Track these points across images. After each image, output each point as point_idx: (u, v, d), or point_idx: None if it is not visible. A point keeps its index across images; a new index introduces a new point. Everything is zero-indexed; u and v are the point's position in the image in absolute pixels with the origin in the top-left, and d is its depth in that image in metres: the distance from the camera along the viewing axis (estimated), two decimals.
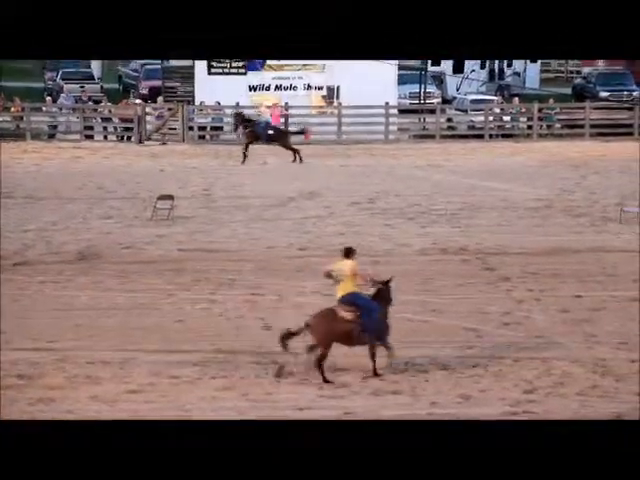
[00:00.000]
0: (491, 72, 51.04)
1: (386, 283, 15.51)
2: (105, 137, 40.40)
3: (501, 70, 51.60)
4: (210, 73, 40.62)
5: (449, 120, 42.11)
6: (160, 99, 40.29)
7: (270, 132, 35.00)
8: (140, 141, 38.45)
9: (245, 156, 34.41)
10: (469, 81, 48.58)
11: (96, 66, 51.81)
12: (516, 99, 42.88)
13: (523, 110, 40.91)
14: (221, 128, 40.37)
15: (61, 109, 41.21)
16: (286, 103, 39.67)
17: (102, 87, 46.78)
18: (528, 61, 52.79)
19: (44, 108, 40.83)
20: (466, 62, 49.51)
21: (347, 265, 15.30)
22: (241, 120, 35.94)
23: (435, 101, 44.34)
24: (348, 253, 15.39)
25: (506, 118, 41.02)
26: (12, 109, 39.72)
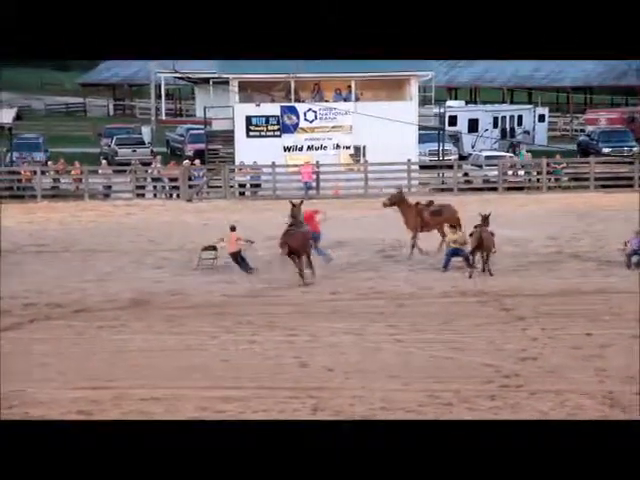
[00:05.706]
0: (503, 131, 51.12)
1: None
2: (155, 195, 40.69)
3: (512, 129, 51.70)
4: (249, 136, 40.93)
5: (465, 175, 42.07)
6: (197, 161, 40.50)
7: None
8: (188, 199, 38.66)
9: None
10: (483, 139, 48.64)
11: (146, 132, 52.48)
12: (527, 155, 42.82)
13: (532, 165, 40.85)
14: (259, 185, 40.57)
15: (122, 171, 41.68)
16: (317, 162, 39.89)
17: (152, 151, 47.27)
18: (537, 120, 52.94)
19: (100, 171, 41.23)
20: (480, 122, 49.66)
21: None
22: None
23: (452, 157, 44.41)
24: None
25: (520, 172, 40.97)
26: (72, 172, 40.13)
